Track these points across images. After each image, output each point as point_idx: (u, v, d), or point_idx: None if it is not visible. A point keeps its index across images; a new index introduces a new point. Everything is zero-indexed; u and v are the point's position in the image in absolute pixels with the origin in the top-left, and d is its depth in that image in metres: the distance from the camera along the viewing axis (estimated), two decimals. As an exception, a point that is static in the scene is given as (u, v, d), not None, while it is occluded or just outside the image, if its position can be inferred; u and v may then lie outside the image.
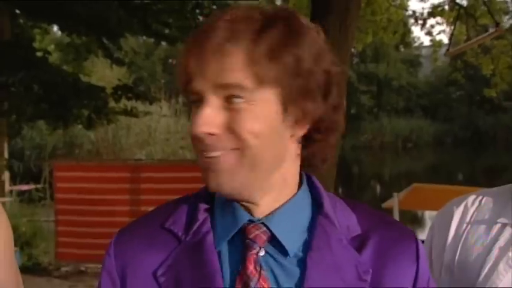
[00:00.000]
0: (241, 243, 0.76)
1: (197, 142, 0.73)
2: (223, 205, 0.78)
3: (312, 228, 0.77)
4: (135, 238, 0.81)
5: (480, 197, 1.00)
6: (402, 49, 31.88)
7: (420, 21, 8.48)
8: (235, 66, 0.70)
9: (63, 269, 5.86)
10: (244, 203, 0.76)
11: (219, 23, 0.72)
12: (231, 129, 0.71)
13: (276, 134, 0.73)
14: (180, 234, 0.78)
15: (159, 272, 0.76)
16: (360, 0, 3.83)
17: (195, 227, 0.78)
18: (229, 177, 0.73)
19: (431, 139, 28.99)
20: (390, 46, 26.10)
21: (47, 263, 5.99)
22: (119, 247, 0.81)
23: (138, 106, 7.74)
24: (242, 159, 0.72)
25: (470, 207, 1.00)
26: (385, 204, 4.28)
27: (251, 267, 0.74)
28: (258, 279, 0.73)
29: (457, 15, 7.37)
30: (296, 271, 0.74)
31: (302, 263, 0.74)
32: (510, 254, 0.89)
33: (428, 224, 8.93)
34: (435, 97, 31.31)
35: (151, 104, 7.61)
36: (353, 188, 14.78)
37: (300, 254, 0.75)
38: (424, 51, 30.37)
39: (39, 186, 9.23)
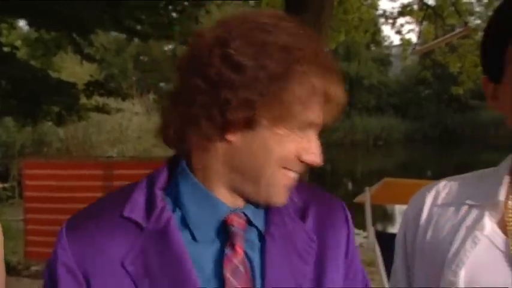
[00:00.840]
0: (216, 235, 0.82)
1: (299, 164, 0.83)
2: (196, 198, 0.83)
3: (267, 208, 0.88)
4: (91, 230, 0.81)
5: (451, 182, 1.05)
6: (373, 48, 32.36)
7: (390, 21, 8.65)
8: None
9: (33, 268, 5.76)
10: (224, 196, 0.83)
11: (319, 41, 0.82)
12: None
13: None
14: (140, 221, 0.81)
15: (127, 261, 0.78)
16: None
17: (155, 214, 0.81)
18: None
19: (402, 137, 29.56)
20: (361, 45, 26.47)
21: (16, 263, 5.88)
22: (74, 240, 0.80)
23: (109, 103, 7.66)
24: None
25: (441, 191, 1.04)
26: (356, 199, 4.36)
27: (240, 250, 0.81)
28: (243, 261, 0.82)
29: (424, 15, 7.56)
30: (259, 245, 0.85)
31: (263, 237, 0.85)
32: (476, 232, 0.93)
33: (398, 219, 9.12)
34: (405, 96, 31.90)
35: (124, 100, 7.55)
36: (326, 184, 14.95)
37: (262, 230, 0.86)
38: (394, 50, 30.91)
39: (6, 185, 9.03)
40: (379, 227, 9.35)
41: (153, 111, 13.77)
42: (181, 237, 0.80)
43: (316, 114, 0.81)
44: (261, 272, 0.82)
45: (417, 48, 7.38)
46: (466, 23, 6.32)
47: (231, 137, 0.80)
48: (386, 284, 3.34)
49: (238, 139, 0.80)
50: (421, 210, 1.03)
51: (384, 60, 33.07)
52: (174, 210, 0.82)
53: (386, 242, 3.50)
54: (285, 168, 0.82)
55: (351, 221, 0.94)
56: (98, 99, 7.17)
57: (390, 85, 32.68)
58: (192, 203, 0.82)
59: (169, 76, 22.03)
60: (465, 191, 1.01)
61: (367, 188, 4.06)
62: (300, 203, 0.91)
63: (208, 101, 0.78)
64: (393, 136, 29.38)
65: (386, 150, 27.95)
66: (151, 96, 15.96)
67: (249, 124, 0.78)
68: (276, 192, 0.82)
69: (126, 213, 0.81)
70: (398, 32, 9.23)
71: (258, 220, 0.86)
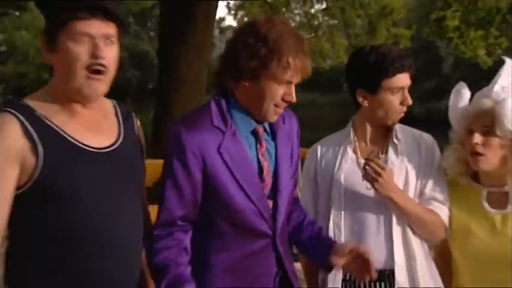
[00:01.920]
0: (251, 134, 1.58)
1: (282, 104, 1.54)
2: (241, 115, 1.55)
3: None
4: (195, 131, 1.50)
5: (328, 138, 2.11)
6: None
7: (233, 11, 9.72)
8: None
9: None
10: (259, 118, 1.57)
11: (299, 38, 1.54)
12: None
13: None
14: (223, 129, 1.53)
15: (221, 149, 1.51)
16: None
17: (229, 125, 1.53)
18: None
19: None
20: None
21: None
22: (187, 136, 1.48)
23: None
24: None
25: (325, 142, 2.10)
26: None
27: (264, 146, 1.61)
28: (265, 151, 1.61)
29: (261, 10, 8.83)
30: (272, 142, 1.63)
31: (274, 137, 1.64)
32: (345, 155, 2.01)
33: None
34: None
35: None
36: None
37: (270, 132, 1.64)
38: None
39: None
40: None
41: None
42: (242, 137, 1.54)
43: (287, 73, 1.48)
44: (275, 156, 1.61)
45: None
46: (315, 32, 7.71)
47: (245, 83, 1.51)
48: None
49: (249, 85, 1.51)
50: (316, 153, 2.07)
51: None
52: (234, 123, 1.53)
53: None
54: (275, 105, 1.53)
55: (297, 119, 1.74)
56: None
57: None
58: (239, 121, 1.55)
59: None
60: (335, 138, 2.09)
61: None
62: (281, 114, 1.62)
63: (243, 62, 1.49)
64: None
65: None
66: None
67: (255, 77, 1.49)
68: (269, 117, 1.56)
69: (215, 123, 1.52)
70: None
71: (267, 127, 1.61)
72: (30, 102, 1.39)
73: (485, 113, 1.76)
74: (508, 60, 1.86)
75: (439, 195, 1.87)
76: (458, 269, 1.89)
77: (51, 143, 1.35)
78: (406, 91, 1.87)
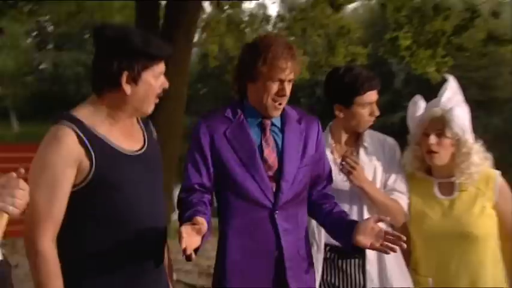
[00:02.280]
0: (258, 126, 1.93)
1: (278, 99, 1.89)
2: (251, 111, 1.93)
3: (282, 117, 1.97)
4: (208, 120, 1.92)
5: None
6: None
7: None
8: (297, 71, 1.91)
9: None
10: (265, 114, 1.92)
11: (287, 45, 1.88)
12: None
13: None
14: (232, 118, 1.93)
15: (227, 133, 1.90)
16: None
17: (237, 116, 1.93)
18: None
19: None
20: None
21: None
22: (202, 125, 1.91)
23: None
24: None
25: None
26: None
27: (268, 134, 1.94)
28: (270, 138, 1.94)
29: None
30: (279, 134, 1.96)
31: (283, 131, 1.96)
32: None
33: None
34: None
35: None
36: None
37: (280, 127, 1.97)
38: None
39: None
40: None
41: None
42: (249, 127, 1.91)
43: (277, 71, 1.83)
44: (281, 145, 1.92)
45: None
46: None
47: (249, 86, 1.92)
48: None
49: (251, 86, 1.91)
50: None
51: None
52: (244, 117, 1.92)
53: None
54: (277, 101, 1.88)
55: (320, 125, 2.05)
56: None
57: (174, 81, 34.33)
58: (249, 115, 1.93)
59: None
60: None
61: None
62: (297, 116, 1.99)
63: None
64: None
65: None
66: None
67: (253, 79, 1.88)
68: (271, 111, 1.91)
69: (226, 114, 1.93)
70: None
71: (277, 123, 1.94)
72: (78, 115, 1.68)
73: (437, 119, 2.20)
74: (450, 77, 2.33)
75: (400, 187, 2.29)
76: (415, 245, 2.32)
77: (100, 149, 1.66)
78: (374, 105, 2.28)
